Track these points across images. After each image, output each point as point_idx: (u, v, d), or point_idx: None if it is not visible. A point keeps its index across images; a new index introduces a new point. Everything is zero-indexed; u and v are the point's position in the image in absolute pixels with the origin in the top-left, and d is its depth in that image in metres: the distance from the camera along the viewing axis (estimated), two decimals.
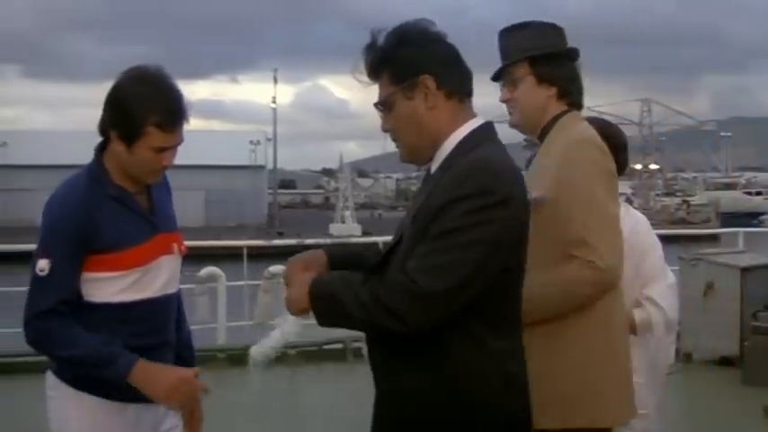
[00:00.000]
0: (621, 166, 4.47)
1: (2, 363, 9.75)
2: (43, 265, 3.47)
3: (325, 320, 3.03)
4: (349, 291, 2.95)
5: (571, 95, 3.90)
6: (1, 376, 9.49)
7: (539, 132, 3.92)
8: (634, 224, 4.46)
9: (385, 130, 3.16)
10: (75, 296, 3.51)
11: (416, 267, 2.87)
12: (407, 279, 2.86)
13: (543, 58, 3.87)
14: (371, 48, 3.09)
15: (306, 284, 3.04)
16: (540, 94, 3.88)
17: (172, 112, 3.51)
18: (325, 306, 3.00)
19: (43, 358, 3.72)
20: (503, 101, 3.94)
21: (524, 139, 4.18)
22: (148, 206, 3.68)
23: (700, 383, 9.13)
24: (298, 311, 3.09)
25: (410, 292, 2.85)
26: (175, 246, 3.73)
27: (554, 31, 3.97)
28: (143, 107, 3.45)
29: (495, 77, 3.99)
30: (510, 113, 3.95)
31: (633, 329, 4.35)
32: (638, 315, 4.37)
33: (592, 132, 3.84)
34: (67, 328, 3.47)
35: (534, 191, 3.55)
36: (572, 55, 3.97)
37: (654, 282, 4.41)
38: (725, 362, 9.79)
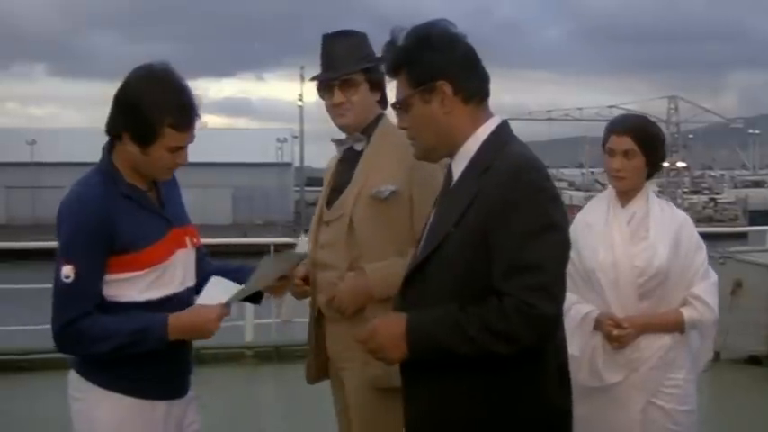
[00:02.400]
0: (660, 163, 4.48)
1: (29, 359, 9.82)
2: (68, 271, 3.48)
3: (419, 358, 3.04)
4: (449, 329, 2.93)
5: (387, 99, 4.30)
6: (29, 373, 9.56)
7: (361, 129, 4.32)
8: (682, 222, 4.45)
9: (401, 127, 3.21)
10: (99, 299, 3.53)
11: (525, 287, 2.87)
12: (521, 302, 2.86)
13: (375, 67, 4.25)
14: (391, 47, 3.11)
15: (398, 327, 3.02)
16: (372, 99, 4.29)
17: (186, 111, 3.53)
18: (424, 350, 3.00)
19: (64, 356, 3.74)
20: (336, 104, 4.27)
21: (335, 139, 4.44)
22: (159, 202, 3.71)
23: (728, 382, 9.08)
24: (394, 360, 3.09)
25: (529, 317, 2.87)
26: (188, 239, 3.75)
27: (368, 41, 4.36)
28: (158, 110, 3.46)
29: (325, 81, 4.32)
30: (341, 115, 4.29)
31: (681, 327, 4.37)
32: (687, 313, 4.37)
33: None
34: (94, 324, 3.49)
35: (382, 183, 4.15)
36: None
37: (700, 280, 4.41)
38: (753, 360, 9.76)
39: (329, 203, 4.37)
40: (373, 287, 4.12)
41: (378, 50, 4.24)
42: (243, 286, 3.71)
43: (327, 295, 4.24)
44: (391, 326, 3.05)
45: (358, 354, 4.14)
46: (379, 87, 4.31)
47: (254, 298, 3.94)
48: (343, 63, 4.25)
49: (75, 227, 3.52)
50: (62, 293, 3.52)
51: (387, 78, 4.12)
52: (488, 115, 3.16)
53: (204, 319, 3.56)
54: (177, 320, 3.53)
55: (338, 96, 4.25)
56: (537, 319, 2.88)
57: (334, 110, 4.30)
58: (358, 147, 4.32)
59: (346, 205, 4.25)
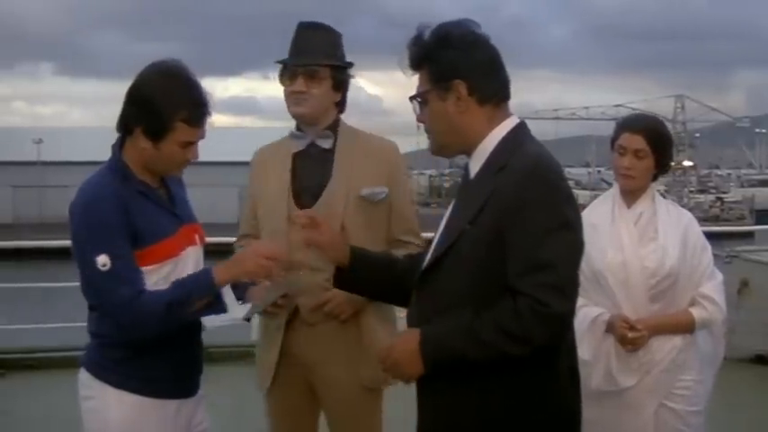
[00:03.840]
0: (668, 164, 4.47)
1: (35, 357, 9.84)
2: (103, 260, 3.46)
3: (436, 370, 3.04)
4: (463, 336, 2.94)
5: (345, 103, 4.43)
6: (35, 371, 9.57)
7: (314, 122, 4.33)
8: (688, 222, 4.43)
9: (419, 121, 3.23)
10: (142, 281, 3.52)
11: (539, 284, 2.88)
12: (535, 301, 2.87)
13: (342, 67, 4.33)
14: (416, 42, 3.14)
15: (412, 343, 3.03)
16: (332, 98, 4.31)
17: (199, 106, 3.56)
18: (439, 362, 3.01)
19: (76, 353, 3.73)
20: (296, 91, 4.27)
21: (295, 131, 4.44)
22: (168, 199, 3.73)
23: (734, 382, 9.05)
24: (411, 377, 3.10)
25: (542, 315, 2.88)
26: (197, 236, 3.77)
27: (341, 42, 4.38)
28: (171, 103, 3.49)
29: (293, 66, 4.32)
30: (297, 103, 4.30)
31: (691, 327, 4.35)
32: (696, 313, 4.35)
33: None
34: (150, 300, 3.48)
35: (369, 184, 4.25)
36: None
37: (707, 280, 4.39)
38: (760, 360, 9.74)
39: (299, 201, 4.31)
40: None
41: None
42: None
43: (316, 299, 4.24)
44: (406, 342, 3.06)
45: (344, 356, 4.26)
46: (340, 88, 4.34)
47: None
48: (313, 53, 4.26)
49: (97, 219, 3.50)
50: (104, 281, 3.48)
51: (349, 82, 4.35)
52: (506, 115, 3.18)
53: (248, 253, 3.62)
54: (219, 265, 3.58)
55: (300, 84, 4.25)
56: (550, 317, 2.88)
57: (292, 96, 4.29)
58: (325, 144, 4.33)
59: (334, 206, 4.23)
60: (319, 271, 4.19)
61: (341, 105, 4.40)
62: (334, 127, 4.35)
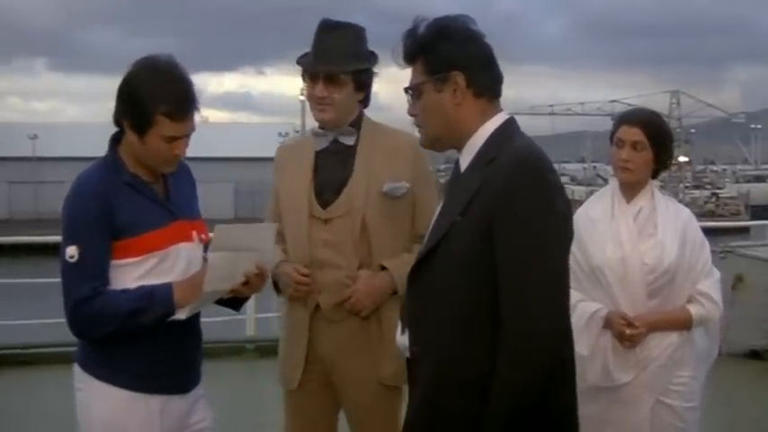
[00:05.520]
0: (667, 161, 4.45)
1: (30, 353, 9.84)
2: (72, 251, 3.51)
3: None
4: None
5: (369, 99, 4.41)
6: (30, 367, 9.57)
7: (339, 125, 4.29)
8: (687, 219, 4.42)
9: (411, 114, 3.23)
10: (107, 278, 3.54)
11: (531, 305, 2.91)
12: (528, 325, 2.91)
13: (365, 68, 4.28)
14: (411, 34, 3.13)
15: None
16: (355, 98, 4.27)
17: (181, 101, 3.55)
18: None
19: (71, 349, 3.75)
20: (318, 96, 4.22)
21: (317, 129, 4.38)
22: (164, 194, 3.71)
23: (729, 377, 9.06)
24: None
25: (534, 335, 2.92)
26: (195, 233, 3.74)
27: (364, 36, 4.32)
28: (152, 97, 3.49)
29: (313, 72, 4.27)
30: (321, 110, 4.25)
31: (689, 324, 4.35)
32: (694, 310, 4.34)
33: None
34: (105, 304, 3.49)
35: (389, 179, 4.21)
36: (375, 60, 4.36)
37: (705, 278, 4.39)
38: (754, 355, 9.75)
39: (321, 198, 4.30)
40: (399, 284, 4.09)
41: (373, 45, 4.29)
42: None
43: (337, 296, 4.23)
44: None
45: (365, 352, 4.26)
46: (364, 87, 4.31)
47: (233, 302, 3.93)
48: (333, 57, 4.20)
49: (75, 211, 3.56)
50: (69, 273, 3.53)
51: (374, 78, 4.30)
52: (497, 111, 3.18)
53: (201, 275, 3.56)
54: (180, 283, 3.57)
55: (321, 90, 4.21)
56: (543, 336, 2.92)
57: (315, 101, 4.26)
58: (348, 141, 4.31)
59: (355, 202, 4.22)
60: (339, 268, 4.23)
61: (365, 101, 4.37)
62: (357, 123, 4.32)
